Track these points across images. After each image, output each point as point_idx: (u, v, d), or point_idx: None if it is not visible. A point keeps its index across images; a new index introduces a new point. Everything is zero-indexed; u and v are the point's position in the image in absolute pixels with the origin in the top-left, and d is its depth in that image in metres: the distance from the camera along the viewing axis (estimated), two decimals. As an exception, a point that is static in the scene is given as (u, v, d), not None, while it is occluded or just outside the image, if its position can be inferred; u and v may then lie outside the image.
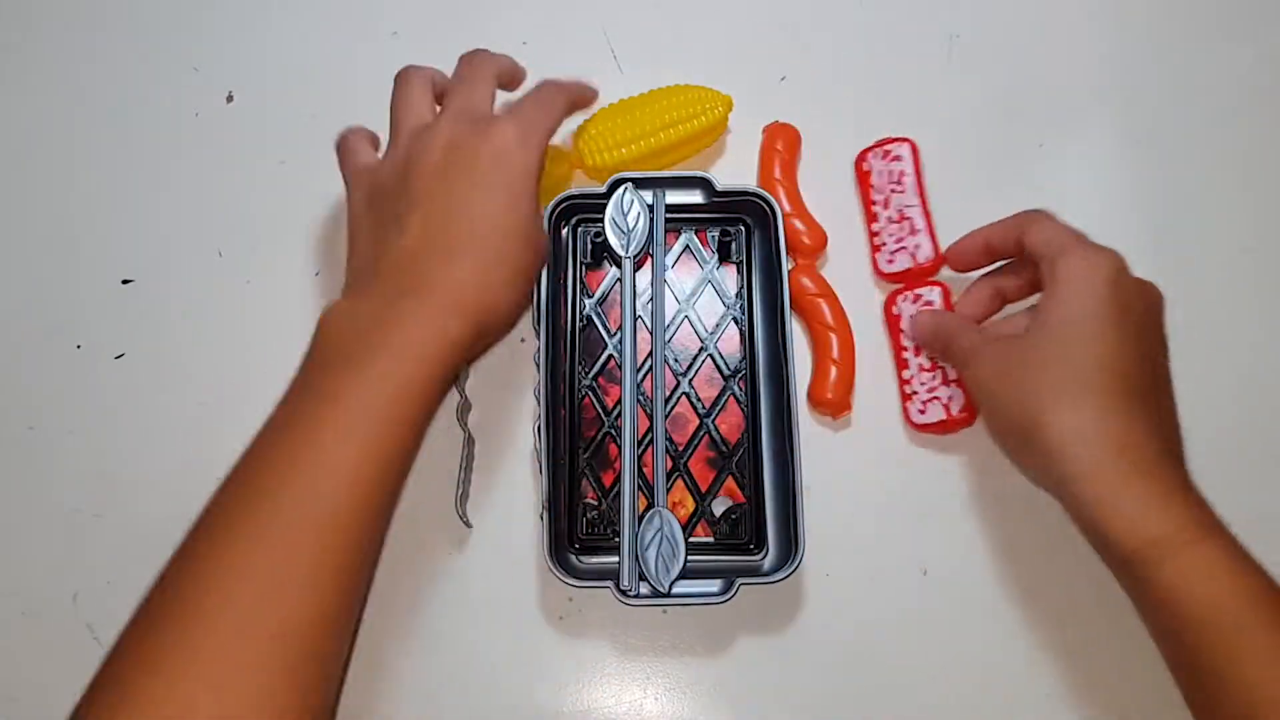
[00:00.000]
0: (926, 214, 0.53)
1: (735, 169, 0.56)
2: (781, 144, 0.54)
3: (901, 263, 0.52)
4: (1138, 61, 0.58)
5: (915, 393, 0.51)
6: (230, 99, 0.58)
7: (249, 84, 0.58)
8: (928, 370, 0.51)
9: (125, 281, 0.54)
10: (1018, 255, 0.49)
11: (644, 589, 0.47)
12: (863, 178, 0.54)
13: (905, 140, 0.54)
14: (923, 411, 0.50)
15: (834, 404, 0.51)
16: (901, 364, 0.51)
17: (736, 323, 0.53)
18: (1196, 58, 0.58)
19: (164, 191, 0.56)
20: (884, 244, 0.53)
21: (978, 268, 0.51)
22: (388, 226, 0.43)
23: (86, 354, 0.53)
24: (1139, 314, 0.44)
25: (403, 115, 0.46)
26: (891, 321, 0.52)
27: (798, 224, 0.53)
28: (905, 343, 0.51)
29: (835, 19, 0.59)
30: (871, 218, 0.54)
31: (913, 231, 0.53)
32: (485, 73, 0.47)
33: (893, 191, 0.53)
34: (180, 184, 0.56)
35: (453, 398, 0.50)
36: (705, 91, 0.54)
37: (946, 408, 0.50)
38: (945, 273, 0.53)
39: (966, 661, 0.48)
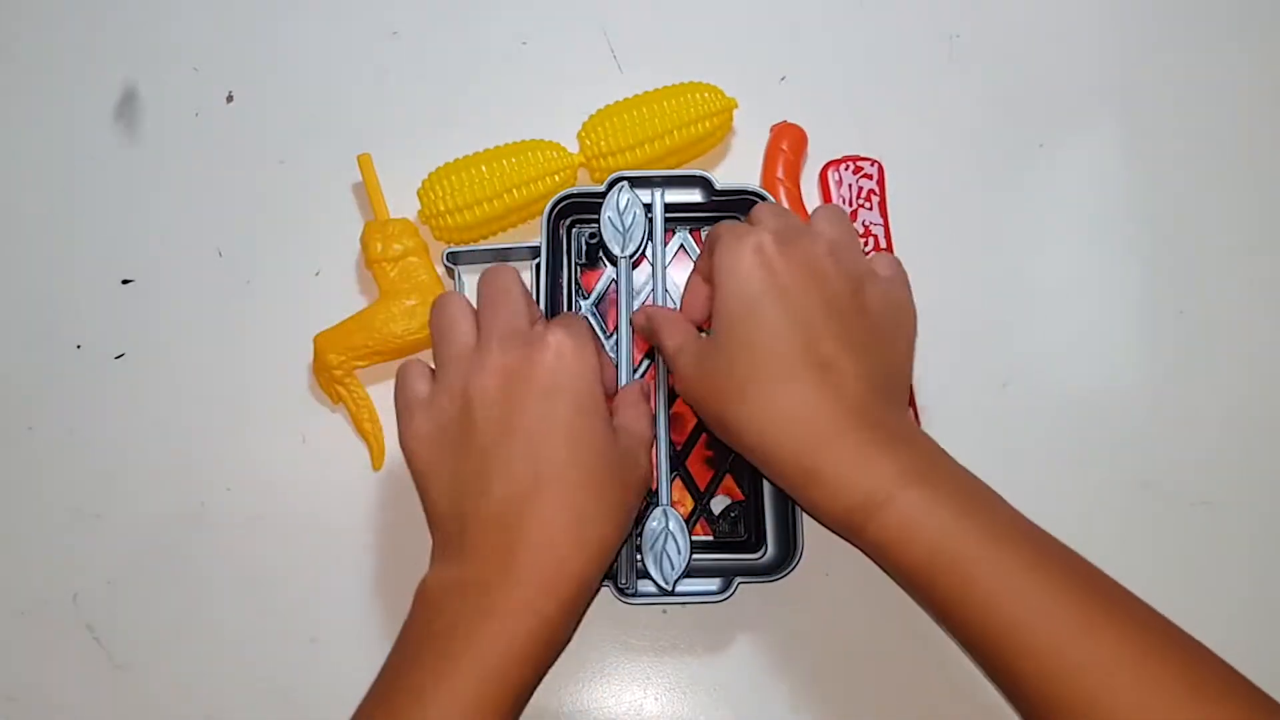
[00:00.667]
0: (888, 234, 0.54)
1: (736, 168, 0.56)
2: (787, 144, 0.54)
3: None
4: (1138, 61, 0.58)
5: None
6: (230, 99, 0.58)
7: (249, 84, 0.58)
8: None
9: (125, 281, 0.54)
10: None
11: (643, 587, 0.47)
12: (825, 190, 0.55)
13: (874, 161, 0.55)
14: None
15: None
16: None
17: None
18: (1196, 58, 0.58)
19: (164, 191, 0.56)
20: None
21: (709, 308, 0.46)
22: (468, 479, 0.40)
23: (86, 354, 0.53)
24: (799, 274, 0.40)
25: (445, 341, 0.43)
26: None
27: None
28: None
29: (835, 19, 0.59)
30: None
31: (876, 248, 0.53)
32: (514, 286, 0.44)
33: (861, 207, 0.54)
34: (180, 184, 0.56)
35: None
36: (711, 92, 0.54)
37: None
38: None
39: (966, 661, 0.48)
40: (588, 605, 0.40)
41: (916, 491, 0.39)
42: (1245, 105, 0.57)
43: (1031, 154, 0.57)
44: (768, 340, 0.40)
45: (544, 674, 0.40)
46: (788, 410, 0.40)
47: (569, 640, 0.40)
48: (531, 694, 0.39)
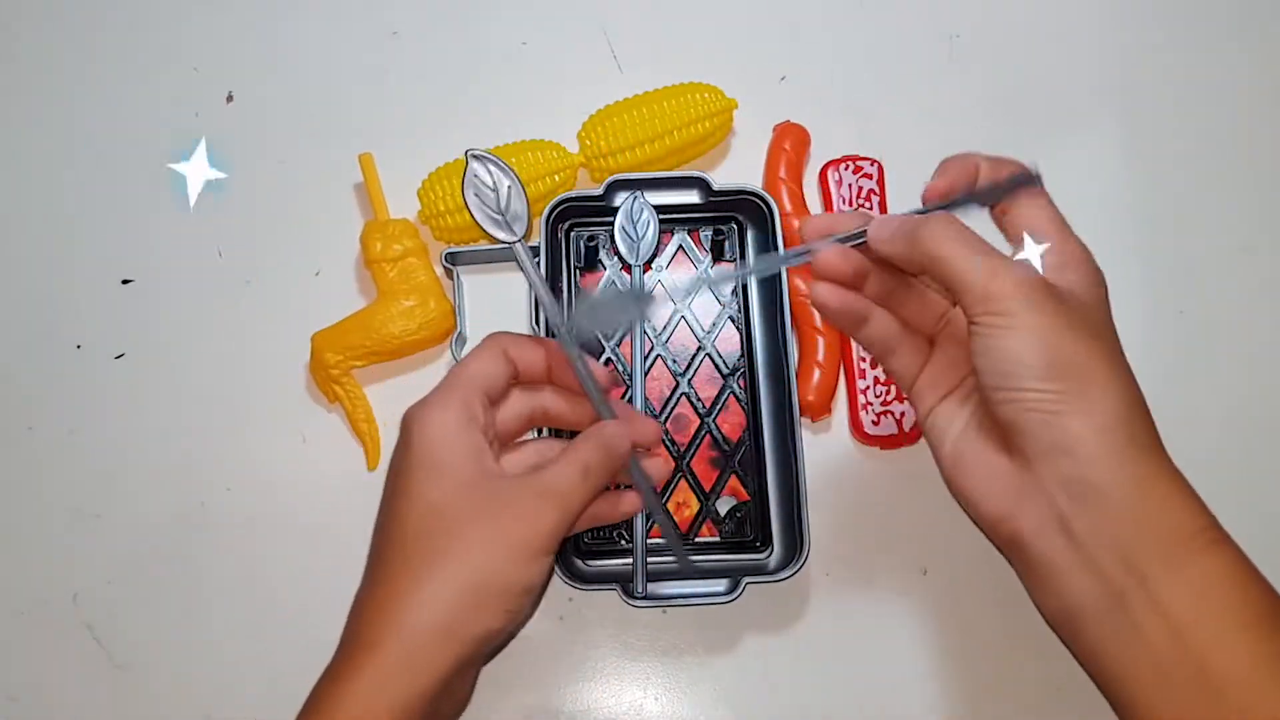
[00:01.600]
0: None
1: (736, 168, 0.56)
2: (789, 144, 0.54)
3: None
4: (1138, 61, 0.58)
5: (869, 404, 0.51)
6: (230, 99, 0.58)
7: (249, 84, 0.58)
8: (883, 384, 0.51)
9: (125, 281, 0.54)
10: (988, 204, 0.45)
11: (652, 589, 0.46)
12: (825, 189, 0.54)
13: (874, 161, 0.54)
14: (876, 423, 0.51)
15: (815, 407, 0.51)
16: (858, 374, 0.51)
17: (733, 321, 0.53)
18: (1196, 58, 0.58)
19: (164, 191, 0.56)
20: None
21: (956, 189, 0.45)
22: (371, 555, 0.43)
23: (86, 354, 0.53)
24: None
25: None
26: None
27: (797, 224, 0.53)
28: (862, 353, 0.51)
29: (835, 19, 0.59)
30: None
31: None
32: (492, 345, 0.43)
33: (861, 206, 0.54)
34: (180, 184, 0.56)
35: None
36: (711, 93, 0.54)
37: (899, 422, 0.50)
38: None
39: (967, 661, 0.48)
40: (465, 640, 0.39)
41: (1228, 551, 0.37)
42: (1245, 105, 0.57)
43: (1032, 154, 0.57)
44: (1109, 331, 0.42)
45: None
46: (1119, 396, 0.39)
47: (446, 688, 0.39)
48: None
